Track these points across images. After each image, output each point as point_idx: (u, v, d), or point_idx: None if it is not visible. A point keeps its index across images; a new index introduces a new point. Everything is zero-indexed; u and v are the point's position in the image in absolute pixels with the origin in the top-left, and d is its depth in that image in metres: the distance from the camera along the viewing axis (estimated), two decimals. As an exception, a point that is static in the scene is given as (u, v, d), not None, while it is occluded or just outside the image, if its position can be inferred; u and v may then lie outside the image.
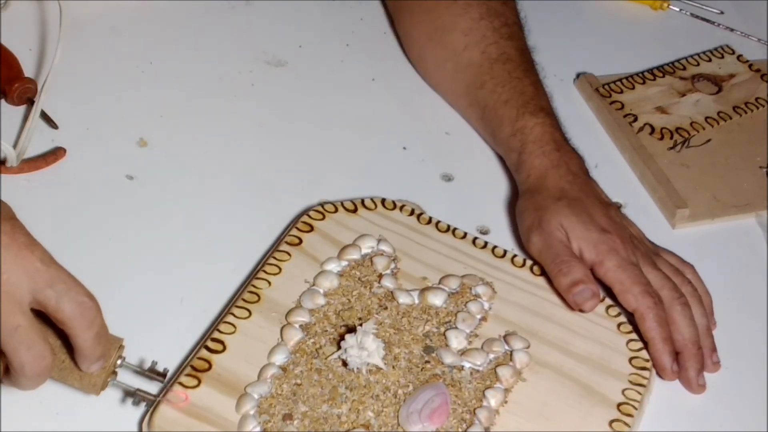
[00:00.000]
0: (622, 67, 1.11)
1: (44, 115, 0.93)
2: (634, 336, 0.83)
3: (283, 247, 0.86)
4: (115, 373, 0.70)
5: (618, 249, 0.86)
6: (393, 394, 0.77)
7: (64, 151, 0.92)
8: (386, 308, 0.82)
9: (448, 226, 0.89)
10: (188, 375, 0.76)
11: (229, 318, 0.80)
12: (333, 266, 0.85)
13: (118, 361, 0.70)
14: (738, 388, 0.85)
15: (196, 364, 0.76)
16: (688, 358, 0.83)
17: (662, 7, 1.22)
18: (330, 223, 0.88)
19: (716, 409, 0.82)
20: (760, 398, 0.84)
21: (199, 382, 0.75)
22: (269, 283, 0.83)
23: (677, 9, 1.22)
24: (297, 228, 0.87)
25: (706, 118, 1.06)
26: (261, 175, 0.95)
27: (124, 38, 1.05)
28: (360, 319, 0.81)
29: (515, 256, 0.88)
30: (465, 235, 0.89)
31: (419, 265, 0.86)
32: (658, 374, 0.83)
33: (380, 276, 0.85)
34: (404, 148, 1.00)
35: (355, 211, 0.90)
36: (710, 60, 1.13)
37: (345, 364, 0.77)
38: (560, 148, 0.93)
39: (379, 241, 0.87)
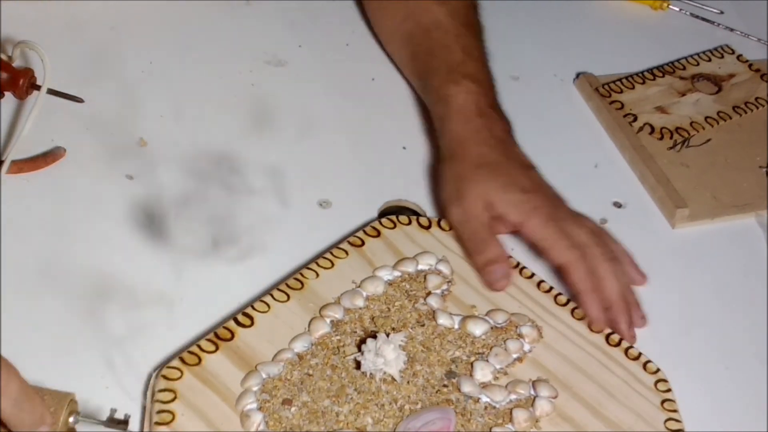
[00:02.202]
0: (622, 67, 1.11)
1: (65, 95, 0.94)
2: (676, 416, 0.79)
3: (344, 245, 0.86)
4: (72, 431, 0.67)
5: (541, 207, 0.87)
6: (399, 407, 0.76)
7: (64, 150, 0.92)
8: (423, 325, 0.81)
9: (518, 263, 0.87)
10: (209, 340, 0.77)
11: (267, 298, 0.81)
12: (384, 273, 0.85)
13: (71, 419, 0.66)
14: (738, 388, 0.85)
15: (219, 332, 0.78)
16: (618, 313, 0.85)
17: (662, 7, 1.22)
18: (398, 234, 0.88)
19: (716, 409, 0.82)
20: (760, 398, 0.84)
21: (217, 348, 0.77)
22: (317, 274, 0.84)
23: (677, 9, 1.22)
24: (364, 231, 0.88)
25: (706, 117, 1.06)
26: (261, 176, 0.95)
27: (124, 38, 1.05)
28: (393, 329, 0.80)
29: (576, 308, 0.85)
30: (532, 275, 0.87)
31: (473, 293, 0.85)
32: (590, 327, 0.84)
33: (428, 293, 0.84)
34: (404, 148, 1.00)
35: (428, 228, 0.89)
36: (710, 60, 1.13)
37: (359, 366, 0.77)
38: (482, 114, 0.93)
39: (439, 260, 0.86)
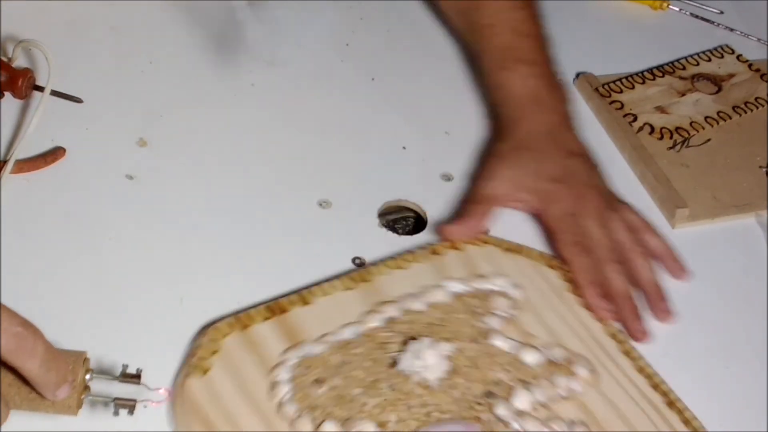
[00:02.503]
0: (621, 66, 1.11)
1: (65, 95, 0.94)
2: None
3: (423, 251, 0.87)
4: (87, 388, 0.69)
5: (563, 199, 0.89)
6: (427, 413, 0.76)
7: (64, 150, 0.92)
8: (476, 342, 0.81)
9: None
10: (264, 309, 0.79)
11: (332, 283, 0.82)
12: (453, 284, 0.84)
13: (87, 376, 0.69)
14: (738, 388, 0.85)
15: (273, 306, 0.80)
16: (622, 308, 0.85)
17: (662, 7, 1.22)
18: (482, 252, 0.88)
19: (716, 408, 0.82)
20: (760, 398, 0.84)
21: (269, 318, 0.79)
22: (388, 272, 0.84)
23: (677, 9, 1.22)
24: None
25: (706, 117, 1.06)
26: (261, 176, 0.95)
27: (124, 38, 1.05)
28: (445, 338, 0.80)
29: (641, 362, 0.82)
30: (603, 323, 0.85)
31: (538, 325, 0.83)
32: (596, 315, 0.85)
33: (491, 313, 0.83)
34: (404, 148, 1.00)
35: (518, 252, 0.88)
36: (710, 60, 1.13)
37: (395, 364, 0.78)
38: (535, 101, 0.94)
39: (513, 285, 0.85)
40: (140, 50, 1.04)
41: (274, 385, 0.75)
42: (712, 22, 1.21)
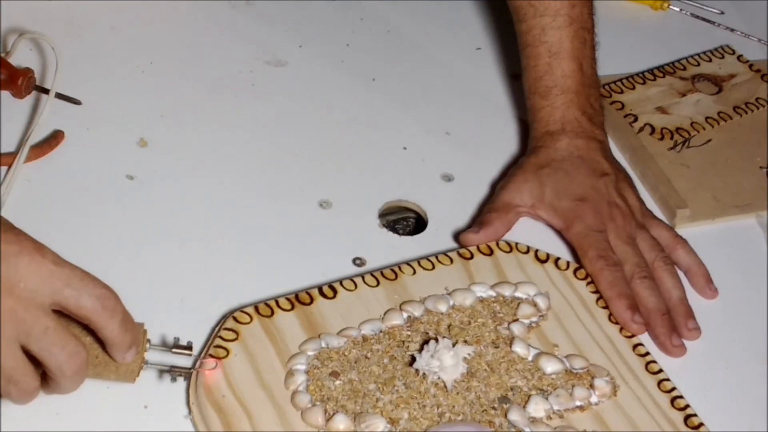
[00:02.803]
0: (622, 67, 1.11)
1: (64, 96, 0.94)
2: None
3: (452, 253, 0.87)
4: (144, 358, 0.72)
5: (584, 216, 0.90)
6: (440, 413, 0.76)
7: (63, 133, 0.92)
8: (497, 347, 0.80)
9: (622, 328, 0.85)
10: (287, 300, 0.80)
11: (357, 279, 0.83)
12: (479, 289, 0.85)
13: (147, 345, 0.72)
14: (738, 388, 0.84)
15: (301, 297, 0.81)
16: (655, 326, 0.85)
17: (662, 7, 1.22)
18: (510, 259, 0.88)
19: (716, 409, 0.82)
20: (760, 398, 0.84)
21: (292, 309, 0.80)
22: (414, 272, 0.85)
23: (677, 9, 1.22)
24: (479, 247, 0.88)
25: (707, 118, 1.06)
26: (261, 176, 0.95)
27: (124, 38, 1.05)
28: (465, 341, 0.80)
29: (665, 380, 0.81)
30: (631, 336, 0.84)
31: (561, 333, 0.83)
32: (627, 329, 0.84)
33: (515, 320, 0.83)
34: (404, 148, 1.00)
35: (544, 262, 0.88)
36: (710, 60, 1.13)
37: (413, 362, 0.78)
38: (564, 129, 0.94)
39: (540, 293, 0.85)
40: (140, 50, 1.04)
41: (290, 375, 0.76)
42: (713, 23, 1.21)
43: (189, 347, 0.75)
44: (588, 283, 0.87)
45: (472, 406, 0.76)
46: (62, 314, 0.67)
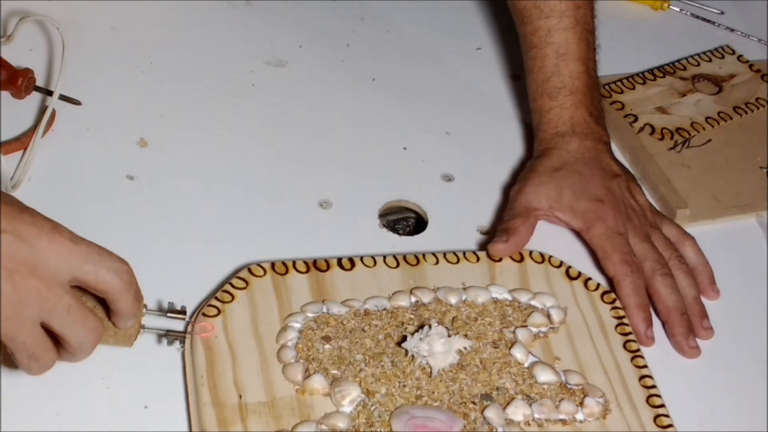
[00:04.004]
0: (622, 67, 1.11)
1: (64, 96, 0.95)
2: None
3: (480, 252, 0.87)
4: (141, 323, 0.74)
5: (605, 217, 0.90)
6: (417, 395, 0.76)
7: (54, 111, 0.93)
8: (497, 347, 0.80)
9: (635, 353, 0.82)
10: (304, 263, 0.83)
11: (379, 258, 0.84)
12: (496, 290, 0.85)
13: (143, 311, 0.73)
14: (738, 388, 0.84)
15: (318, 263, 0.83)
16: (673, 325, 0.86)
17: (662, 7, 1.22)
18: (540, 269, 0.87)
19: (716, 409, 0.82)
20: (760, 398, 0.84)
21: (307, 271, 0.82)
22: (437, 261, 0.86)
23: (677, 9, 1.22)
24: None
25: (707, 118, 1.06)
26: (261, 176, 0.95)
27: (124, 38, 1.05)
28: (466, 335, 0.80)
29: (664, 416, 0.78)
30: (643, 366, 0.81)
31: (568, 350, 0.82)
32: (638, 340, 0.84)
33: (523, 326, 0.82)
34: (404, 148, 1.00)
35: (574, 279, 0.87)
36: (710, 60, 1.13)
37: (403, 340, 0.79)
38: (573, 130, 0.95)
39: (557, 306, 0.84)
40: (140, 50, 1.04)
41: (283, 330, 0.78)
42: (713, 23, 1.21)
43: (183, 311, 0.77)
44: (612, 308, 0.85)
45: (452, 396, 0.77)
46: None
